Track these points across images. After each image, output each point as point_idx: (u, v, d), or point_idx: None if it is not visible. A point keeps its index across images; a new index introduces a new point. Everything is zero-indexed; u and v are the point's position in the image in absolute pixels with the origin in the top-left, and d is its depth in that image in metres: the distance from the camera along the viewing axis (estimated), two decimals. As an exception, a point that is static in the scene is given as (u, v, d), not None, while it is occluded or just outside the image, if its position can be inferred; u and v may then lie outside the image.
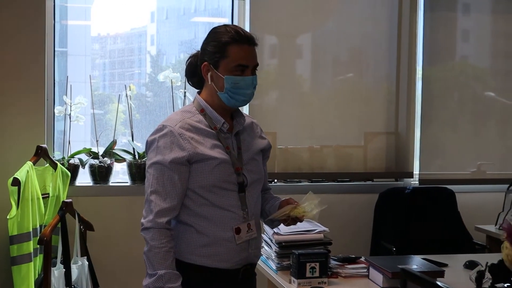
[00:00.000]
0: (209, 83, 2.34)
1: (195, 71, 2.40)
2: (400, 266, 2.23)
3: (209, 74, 2.33)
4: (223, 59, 2.29)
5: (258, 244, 2.43)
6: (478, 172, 4.80)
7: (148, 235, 2.22)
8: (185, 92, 4.23)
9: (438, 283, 1.97)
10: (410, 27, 4.62)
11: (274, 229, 2.96)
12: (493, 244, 4.14)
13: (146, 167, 2.31)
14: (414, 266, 2.81)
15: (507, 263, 2.41)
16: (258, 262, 2.86)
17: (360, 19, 4.65)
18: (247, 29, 4.30)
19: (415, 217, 4.35)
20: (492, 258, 2.65)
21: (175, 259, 2.25)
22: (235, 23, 4.40)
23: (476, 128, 4.85)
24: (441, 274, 2.81)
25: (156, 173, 2.26)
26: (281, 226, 2.59)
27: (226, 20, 4.48)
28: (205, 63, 2.33)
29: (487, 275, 2.60)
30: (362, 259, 3.06)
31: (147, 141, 2.34)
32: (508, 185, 4.30)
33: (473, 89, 4.88)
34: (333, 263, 2.97)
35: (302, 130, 4.55)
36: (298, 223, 2.49)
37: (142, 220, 2.25)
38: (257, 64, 2.34)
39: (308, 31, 4.64)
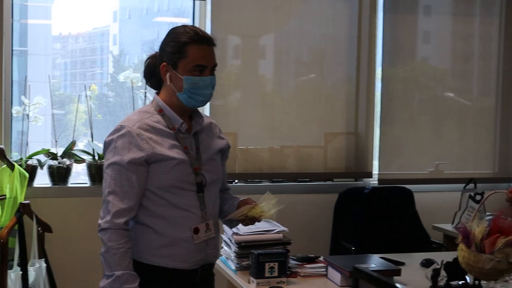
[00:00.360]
0: (168, 83, 2.33)
1: (153, 72, 2.40)
2: (354, 266, 2.25)
3: (167, 74, 2.32)
4: (182, 60, 2.29)
5: (216, 244, 2.44)
6: (435, 171, 4.86)
7: (105, 236, 2.21)
8: (145, 93, 4.20)
9: (396, 284, 2.00)
10: (369, 28, 4.65)
11: (233, 229, 2.97)
12: (450, 242, 4.19)
13: (104, 168, 2.29)
14: (372, 265, 2.84)
15: (463, 265, 2.44)
16: (218, 263, 2.88)
17: (321, 19, 4.66)
18: (208, 29, 4.30)
19: (374, 217, 4.39)
20: (448, 256, 2.68)
21: (133, 259, 2.24)
22: (196, 23, 4.38)
23: (434, 129, 4.90)
24: (397, 273, 2.84)
25: (113, 173, 2.24)
26: (240, 226, 2.60)
27: (188, 21, 4.47)
28: (164, 63, 2.32)
29: (443, 273, 2.65)
30: (321, 258, 3.08)
31: (105, 142, 2.32)
32: (464, 184, 4.38)
33: (432, 90, 4.92)
34: (292, 262, 2.99)
35: (263, 131, 4.55)
36: (258, 223, 2.51)
37: (100, 221, 2.23)
38: (216, 65, 2.35)
39: (269, 32, 4.64)
